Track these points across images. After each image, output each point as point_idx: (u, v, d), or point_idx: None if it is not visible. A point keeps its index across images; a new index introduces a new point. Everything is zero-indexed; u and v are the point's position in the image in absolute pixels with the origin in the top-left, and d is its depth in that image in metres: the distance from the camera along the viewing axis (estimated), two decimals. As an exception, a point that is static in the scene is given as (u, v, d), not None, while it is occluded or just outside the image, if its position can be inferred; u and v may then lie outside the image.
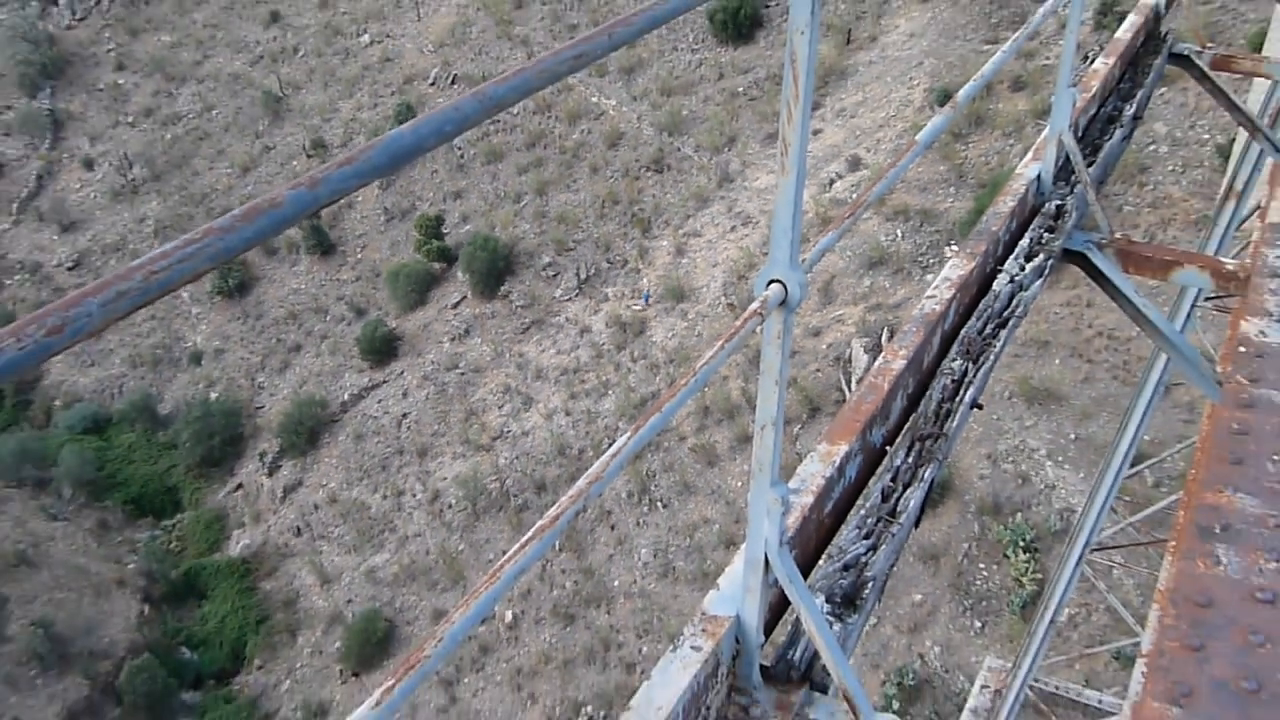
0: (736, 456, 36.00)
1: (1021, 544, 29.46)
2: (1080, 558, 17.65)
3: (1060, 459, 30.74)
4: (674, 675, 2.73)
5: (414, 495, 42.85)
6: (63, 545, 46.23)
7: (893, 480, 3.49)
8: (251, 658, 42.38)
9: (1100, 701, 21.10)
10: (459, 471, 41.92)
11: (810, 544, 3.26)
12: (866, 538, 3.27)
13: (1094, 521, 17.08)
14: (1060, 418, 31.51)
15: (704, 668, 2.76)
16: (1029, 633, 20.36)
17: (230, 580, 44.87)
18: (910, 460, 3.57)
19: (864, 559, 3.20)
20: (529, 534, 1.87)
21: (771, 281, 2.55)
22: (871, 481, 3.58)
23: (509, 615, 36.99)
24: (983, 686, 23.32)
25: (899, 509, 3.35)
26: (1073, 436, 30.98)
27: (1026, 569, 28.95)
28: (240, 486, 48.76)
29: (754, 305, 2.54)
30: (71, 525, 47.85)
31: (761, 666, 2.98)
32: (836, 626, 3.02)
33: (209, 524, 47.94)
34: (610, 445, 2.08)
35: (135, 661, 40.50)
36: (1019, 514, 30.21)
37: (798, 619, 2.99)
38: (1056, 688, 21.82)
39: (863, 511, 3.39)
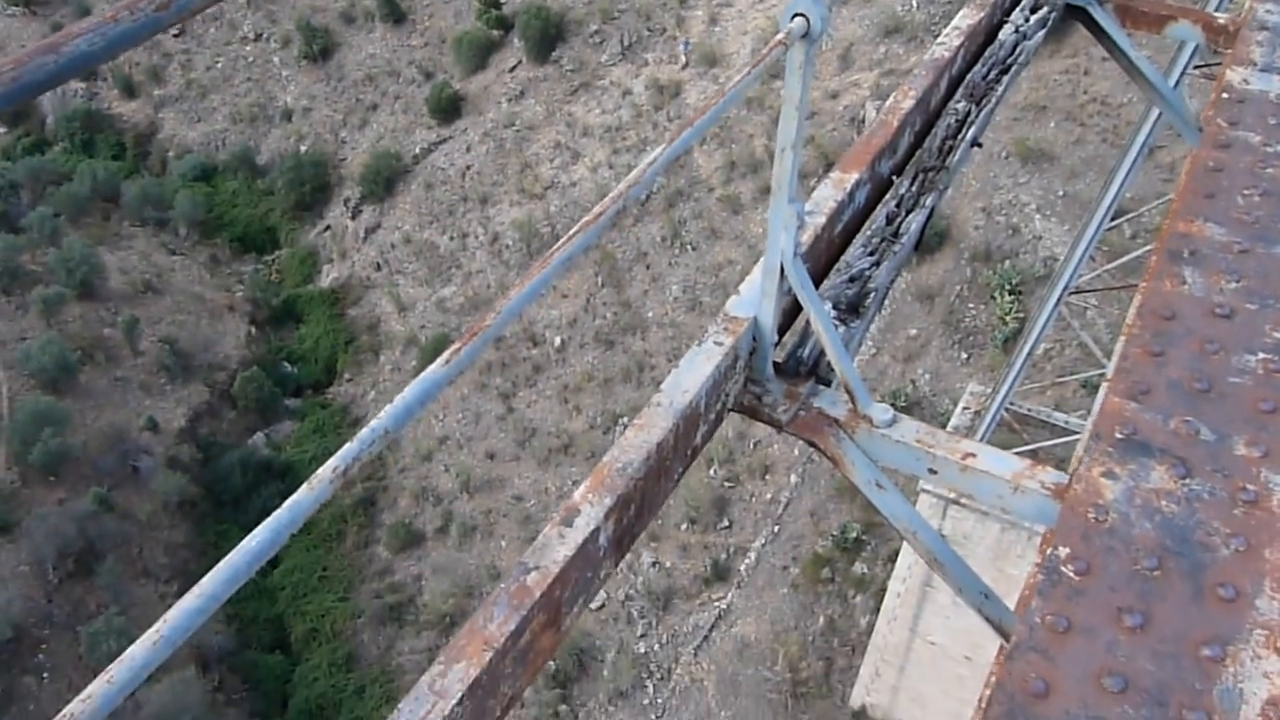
0: (759, 206, 35.64)
1: (1008, 287, 29.37)
2: (1059, 299, 17.61)
3: (1048, 213, 30.25)
4: (699, 365, 2.77)
5: (476, 237, 42.97)
6: (181, 276, 47.01)
7: (897, 206, 3.42)
8: (341, 372, 43.67)
9: (1066, 422, 21.47)
10: (515, 217, 41.84)
11: (821, 259, 3.24)
12: (871, 255, 3.24)
13: (1074, 268, 16.94)
14: (1051, 176, 30.80)
15: (724, 360, 2.80)
16: (1009, 363, 20.58)
17: (322, 307, 45.75)
18: (914, 189, 3.50)
19: (868, 273, 3.18)
20: (577, 227, 1.86)
21: (795, 15, 2.43)
22: (878, 207, 3.53)
23: (558, 340, 37.67)
24: (964, 408, 23.76)
25: (901, 231, 3.31)
26: (1061, 193, 30.36)
27: (1010, 309, 28.97)
28: (328, 228, 48.98)
29: (779, 36, 2.43)
30: (188, 259, 48.52)
31: (774, 363, 3.02)
32: (841, 329, 3.03)
33: (303, 259, 48.47)
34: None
35: (245, 373, 41.82)
36: (1007, 261, 29.98)
37: (807, 323, 3.01)
38: (1029, 410, 22.18)
39: (869, 232, 3.35)
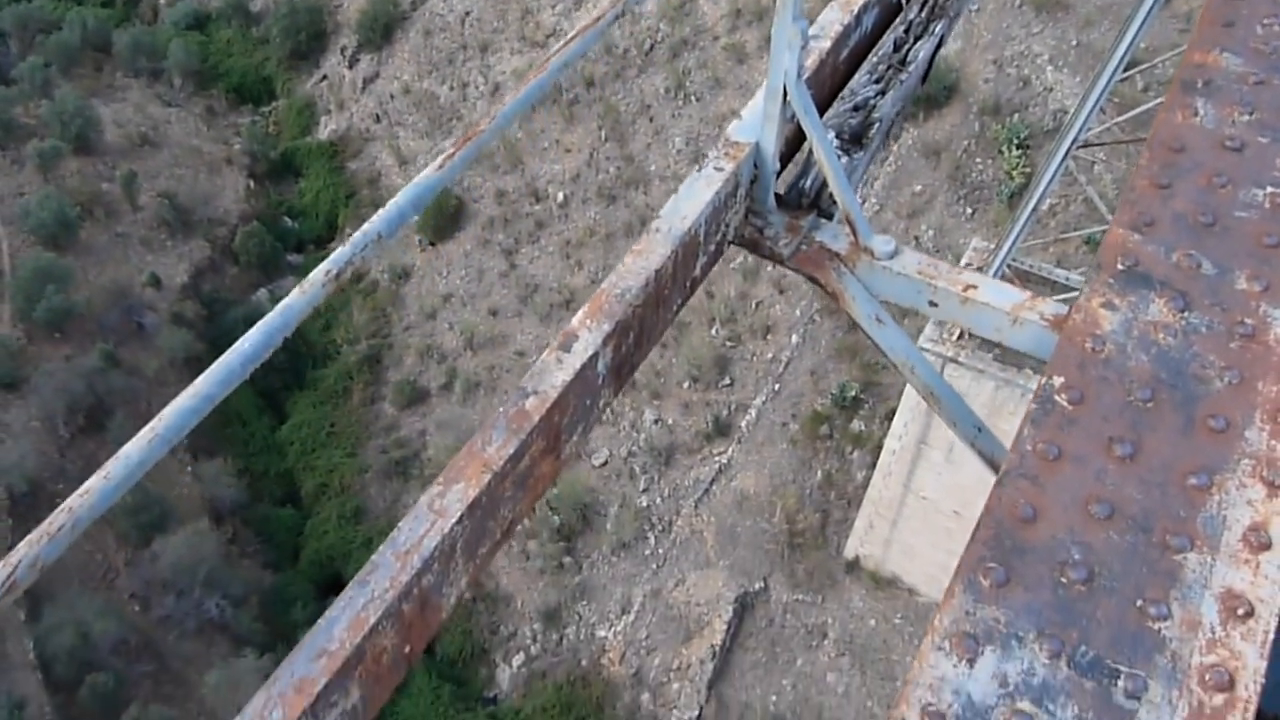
0: (763, 55, 34.74)
1: (1015, 141, 28.85)
2: (1067, 152, 17.30)
3: (1060, 64, 29.50)
4: (698, 191, 2.72)
5: (477, 87, 42.05)
6: (178, 128, 46.19)
7: (905, 32, 3.31)
8: (343, 227, 43.32)
9: (1067, 279, 21.35)
10: (516, 65, 40.84)
11: (825, 86, 3.16)
12: (877, 83, 3.15)
13: (1083, 120, 16.58)
14: (1065, 25, 29.91)
15: (725, 186, 2.75)
16: (1013, 219, 20.35)
17: (321, 160, 45.07)
18: (923, 15, 3.38)
19: (873, 101, 3.09)
20: (575, 31, 1.80)
21: None
22: (886, 33, 3.41)
23: (560, 195, 37.27)
24: (966, 264, 23.65)
25: (909, 59, 3.20)
26: (1075, 43, 29.54)
27: (1017, 163, 28.53)
28: (325, 77, 47.86)
29: None
30: (183, 111, 47.56)
31: (775, 194, 2.97)
32: (844, 159, 2.97)
33: (300, 110, 47.51)
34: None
35: (246, 229, 41.53)
36: (1016, 114, 29.39)
37: (810, 154, 2.95)
38: (1031, 266, 22.05)
39: (875, 59, 3.24)
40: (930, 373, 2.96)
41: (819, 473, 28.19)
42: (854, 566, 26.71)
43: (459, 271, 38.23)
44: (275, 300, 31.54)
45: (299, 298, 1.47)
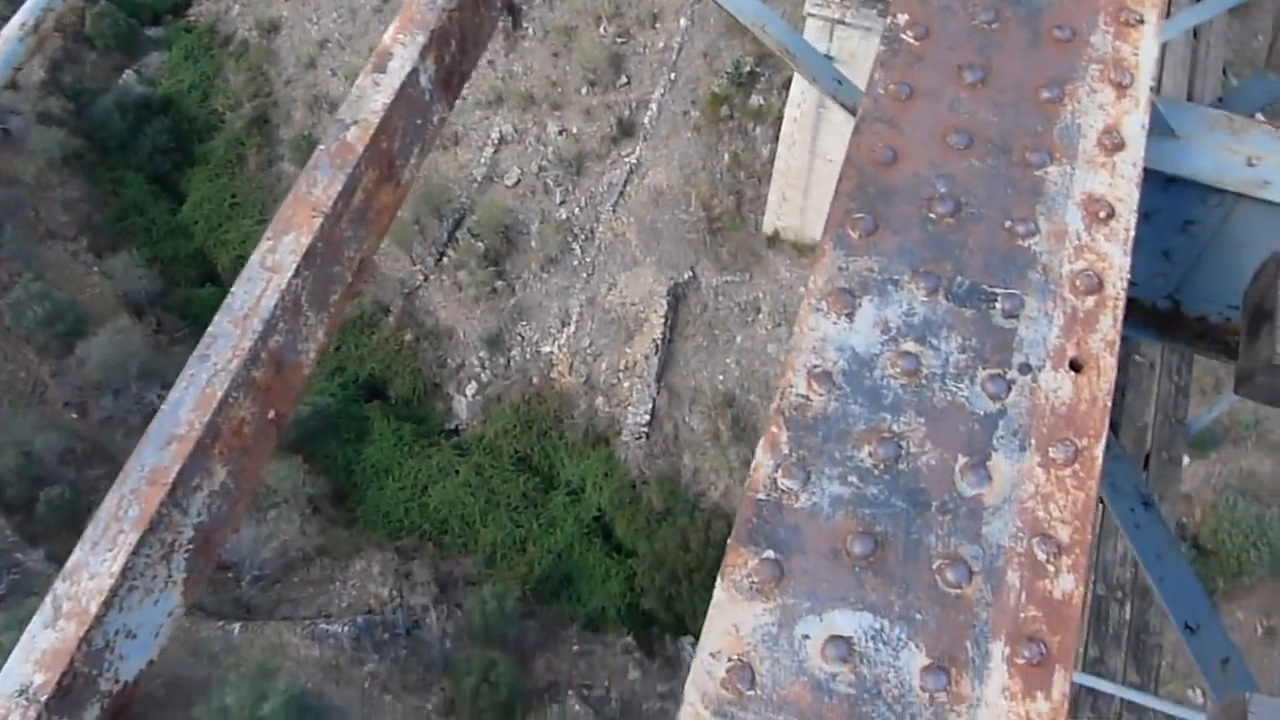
0: None
1: None
2: None
3: None
4: None
5: None
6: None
7: None
8: (195, -14, 40.11)
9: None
10: None
11: None
12: None
13: None
14: None
15: None
16: None
17: (153, -82, 41.06)
18: None
19: None
20: None
21: None
22: None
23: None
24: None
25: None
26: None
27: None
28: None
29: None
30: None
31: None
32: None
33: None
34: None
35: (94, 9, 38.27)
36: None
37: None
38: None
39: None
40: (782, 29, 2.78)
41: (726, 155, 28.03)
42: (775, 240, 27.13)
43: (330, 15, 35.91)
44: (144, 80, 29.59)
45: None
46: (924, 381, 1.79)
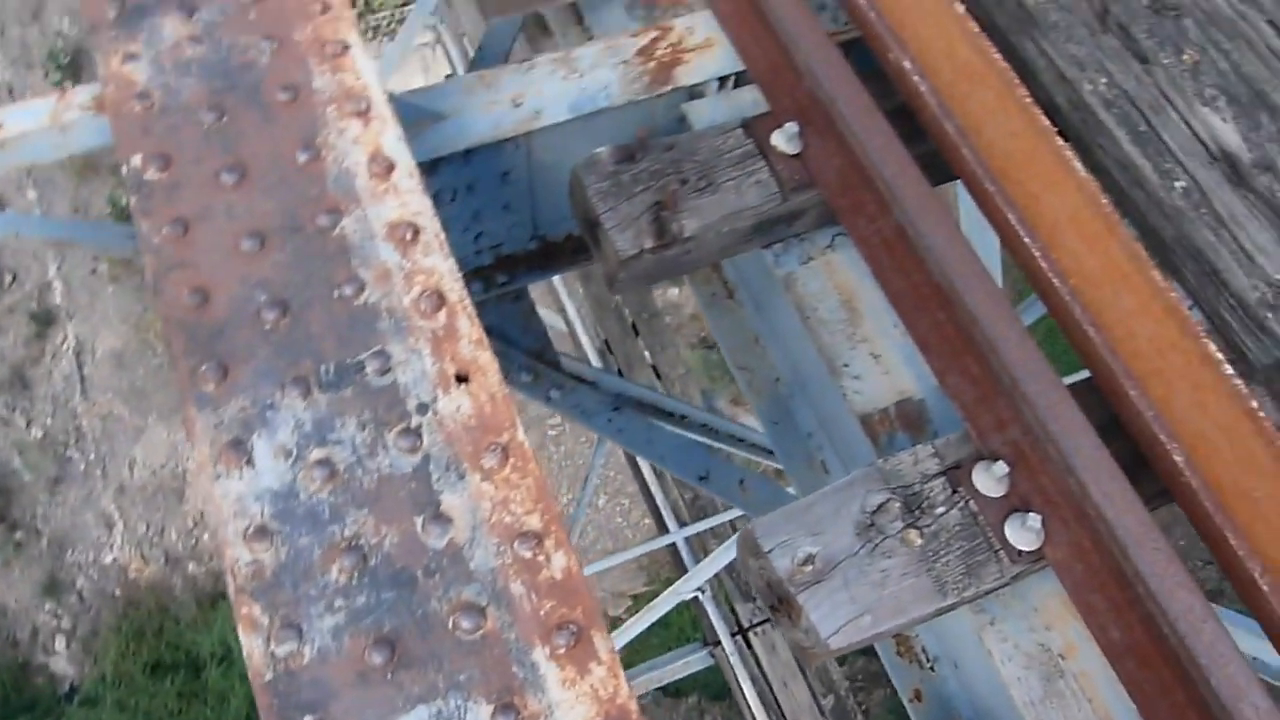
0: None
1: None
2: None
3: None
4: None
5: None
6: None
7: None
8: None
9: None
10: None
11: None
12: None
13: None
14: None
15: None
16: None
17: None
18: None
19: None
20: None
21: None
22: None
23: None
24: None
25: None
26: None
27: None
28: None
29: None
30: None
31: None
32: None
33: None
34: None
35: None
36: None
37: None
38: None
39: None
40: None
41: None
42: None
43: None
44: None
45: None
46: (347, 477, 1.79)
